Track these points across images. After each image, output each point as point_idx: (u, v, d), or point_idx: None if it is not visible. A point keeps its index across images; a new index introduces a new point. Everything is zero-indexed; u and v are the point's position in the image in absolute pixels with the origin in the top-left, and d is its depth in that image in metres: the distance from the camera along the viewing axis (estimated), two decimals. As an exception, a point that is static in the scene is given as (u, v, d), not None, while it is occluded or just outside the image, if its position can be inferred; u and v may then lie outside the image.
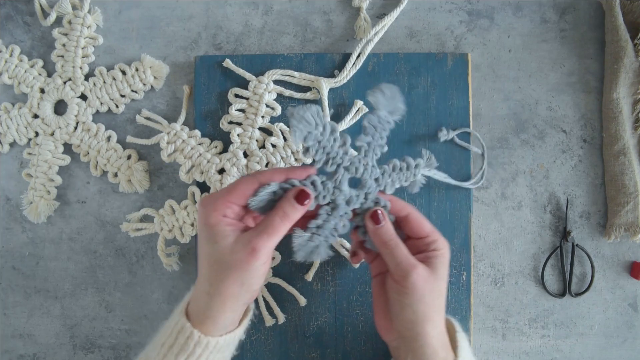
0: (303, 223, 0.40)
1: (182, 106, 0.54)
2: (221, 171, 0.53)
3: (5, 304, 0.56)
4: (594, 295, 0.54)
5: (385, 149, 0.41)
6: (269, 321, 0.52)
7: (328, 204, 0.40)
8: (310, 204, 0.39)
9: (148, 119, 0.54)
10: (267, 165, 0.52)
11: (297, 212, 0.38)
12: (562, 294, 0.54)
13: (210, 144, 0.53)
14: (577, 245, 0.53)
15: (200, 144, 0.53)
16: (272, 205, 0.39)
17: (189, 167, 0.53)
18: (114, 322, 0.56)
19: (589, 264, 0.54)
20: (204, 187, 0.53)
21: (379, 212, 0.41)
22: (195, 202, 0.52)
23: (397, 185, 0.42)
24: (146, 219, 0.55)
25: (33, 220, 0.55)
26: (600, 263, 0.54)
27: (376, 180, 0.41)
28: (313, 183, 0.39)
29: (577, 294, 0.54)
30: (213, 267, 0.38)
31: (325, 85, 0.52)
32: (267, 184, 0.38)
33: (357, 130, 0.52)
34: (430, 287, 0.40)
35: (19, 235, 0.56)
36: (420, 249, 0.42)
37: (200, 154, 0.52)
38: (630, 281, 0.54)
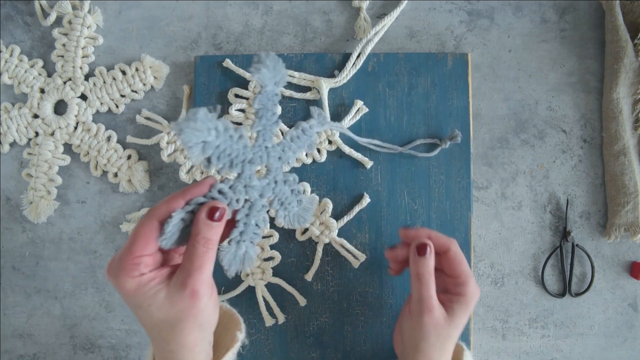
0: (223, 235, 0.36)
1: (182, 106, 0.54)
2: (221, 171, 0.53)
3: (5, 304, 0.56)
4: (594, 295, 0.54)
5: (279, 123, 0.38)
6: (269, 321, 0.52)
7: (243, 205, 0.36)
8: (226, 216, 0.34)
9: (148, 119, 0.54)
10: (267, 165, 0.52)
11: (216, 231, 0.34)
12: (562, 294, 0.54)
13: (210, 144, 0.53)
14: (577, 245, 0.53)
15: (200, 144, 0.53)
16: (188, 232, 0.34)
17: (189, 167, 0.53)
18: (114, 322, 0.56)
19: (589, 264, 0.54)
20: (204, 187, 0.53)
21: (428, 247, 0.41)
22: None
23: (298, 154, 0.41)
24: (146, 219, 0.55)
25: (33, 220, 0.55)
26: (600, 263, 0.54)
27: (279, 158, 0.38)
28: (220, 192, 0.35)
29: (577, 294, 0.54)
30: (162, 327, 0.35)
31: (325, 85, 0.52)
32: (169, 216, 0.33)
33: (357, 130, 0.52)
34: (439, 332, 0.40)
35: (19, 235, 0.56)
36: (447, 287, 0.42)
37: (200, 154, 0.52)
38: (630, 281, 0.54)
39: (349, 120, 0.52)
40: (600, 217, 0.54)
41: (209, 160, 0.33)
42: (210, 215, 0.34)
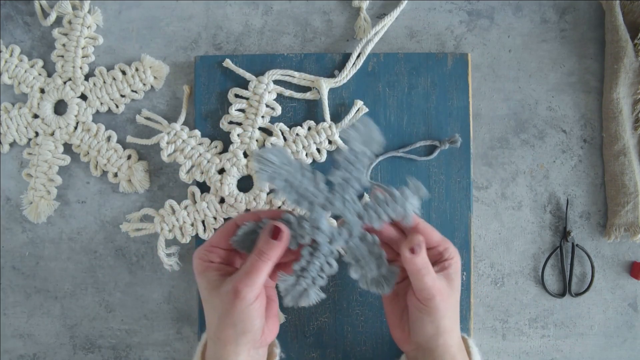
0: (289, 267, 0.40)
1: (182, 106, 0.54)
2: (221, 171, 0.53)
3: (5, 304, 0.56)
4: (594, 295, 0.54)
5: (365, 182, 0.40)
6: (269, 321, 0.52)
7: (310, 245, 0.39)
8: (285, 240, 0.38)
9: (148, 119, 0.54)
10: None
11: (272, 249, 0.38)
12: (562, 294, 0.54)
13: (211, 144, 0.53)
14: (577, 245, 0.53)
15: (200, 144, 0.53)
16: (254, 246, 0.40)
17: (189, 167, 0.53)
18: (114, 322, 0.56)
19: (589, 264, 0.54)
20: (204, 187, 0.53)
21: (419, 244, 0.41)
22: (195, 202, 0.52)
23: (386, 219, 0.40)
24: (146, 219, 0.55)
25: (33, 220, 0.55)
26: (600, 263, 0.54)
27: (359, 215, 0.40)
28: (287, 220, 0.39)
29: (577, 294, 0.54)
30: (210, 312, 0.40)
31: (325, 85, 0.52)
32: (244, 224, 0.40)
33: (357, 130, 0.52)
34: (450, 303, 0.41)
35: (19, 235, 0.56)
36: (432, 259, 0.43)
37: (200, 154, 0.52)
38: (630, 281, 0.54)
39: (348, 120, 0.52)
40: (600, 217, 0.54)
41: (275, 190, 0.38)
42: (271, 234, 0.38)
